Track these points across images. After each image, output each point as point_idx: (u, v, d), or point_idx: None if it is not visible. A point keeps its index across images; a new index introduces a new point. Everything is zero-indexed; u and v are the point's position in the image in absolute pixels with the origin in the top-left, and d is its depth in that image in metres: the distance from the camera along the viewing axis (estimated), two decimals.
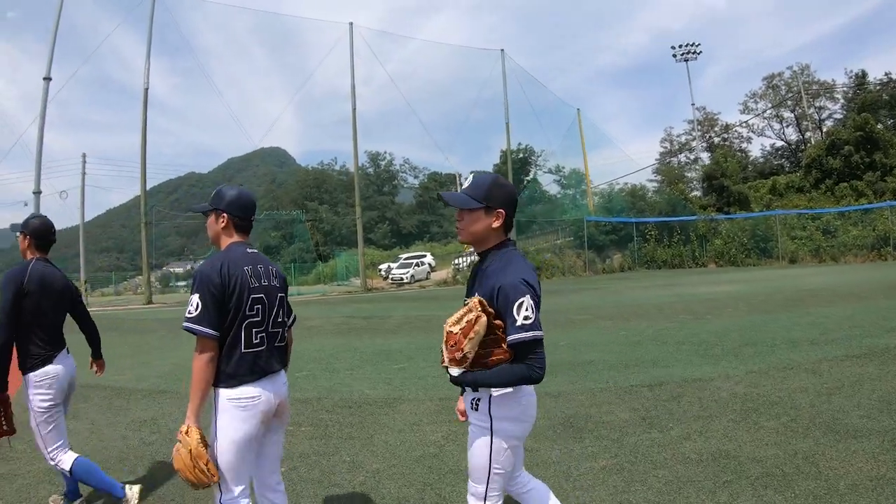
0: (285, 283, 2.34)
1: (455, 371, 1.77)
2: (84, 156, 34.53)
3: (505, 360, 1.75)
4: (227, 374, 2.05)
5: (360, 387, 5.89)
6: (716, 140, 56.40)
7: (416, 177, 66.64)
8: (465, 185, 1.92)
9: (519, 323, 1.70)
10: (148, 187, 30.68)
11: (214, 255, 2.20)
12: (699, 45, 51.28)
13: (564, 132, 47.17)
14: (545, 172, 54.19)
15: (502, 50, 38.27)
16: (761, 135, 57.25)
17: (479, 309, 1.73)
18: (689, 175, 50.72)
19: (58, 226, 3.15)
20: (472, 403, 1.89)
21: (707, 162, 48.51)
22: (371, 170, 62.26)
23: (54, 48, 26.46)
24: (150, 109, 28.52)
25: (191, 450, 1.99)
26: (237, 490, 2.07)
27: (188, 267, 77.74)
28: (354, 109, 31.50)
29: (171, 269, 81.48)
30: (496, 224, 1.87)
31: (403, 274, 32.22)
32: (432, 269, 35.72)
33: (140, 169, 28.78)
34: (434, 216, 60.58)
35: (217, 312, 2.02)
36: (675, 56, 51.86)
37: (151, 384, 6.64)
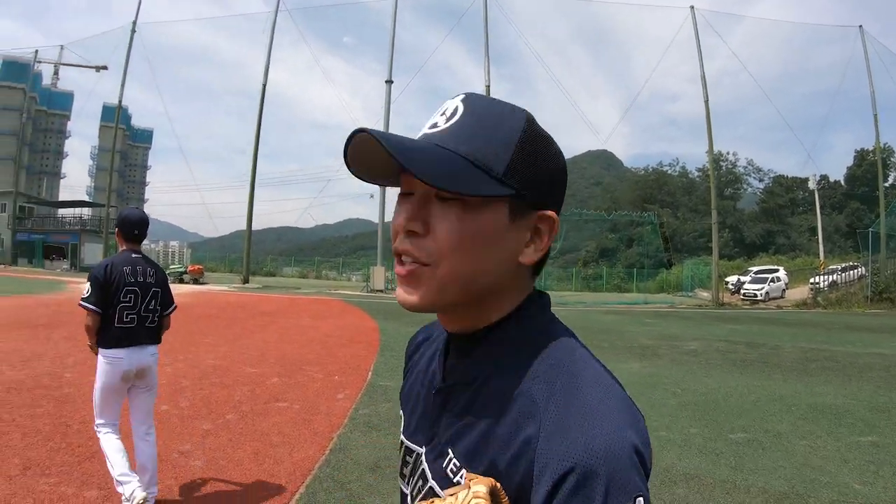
0: (161, 281, 3.10)
1: None
2: None
3: None
4: (104, 339, 2.90)
5: (841, 476, 3.95)
6: None
7: (760, 180, 61.95)
8: (440, 121, 0.56)
9: None
10: None
11: (107, 258, 3.23)
12: None
13: None
14: None
15: (860, 26, 31.33)
16: None
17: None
18: None
19: None
20: None
21: None
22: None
23: (392, 57, 31.46)
24: None
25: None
26: (101, 420, 2.92)
27: None
28: (707, 101, 29.26)
29: None
30: (539, 253, 0.58)
31: (758, 290, 29.84)
32: (787, 286, 33.29)
33: None
34: (780, 225, 55.33)
35: (100, 295, 2.88)
36: None
37: None
